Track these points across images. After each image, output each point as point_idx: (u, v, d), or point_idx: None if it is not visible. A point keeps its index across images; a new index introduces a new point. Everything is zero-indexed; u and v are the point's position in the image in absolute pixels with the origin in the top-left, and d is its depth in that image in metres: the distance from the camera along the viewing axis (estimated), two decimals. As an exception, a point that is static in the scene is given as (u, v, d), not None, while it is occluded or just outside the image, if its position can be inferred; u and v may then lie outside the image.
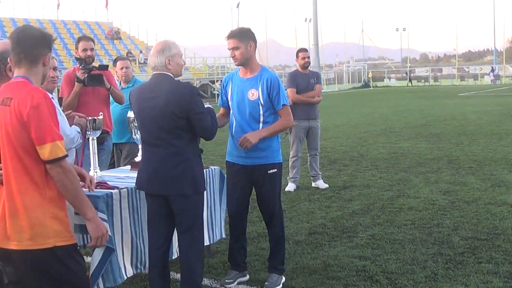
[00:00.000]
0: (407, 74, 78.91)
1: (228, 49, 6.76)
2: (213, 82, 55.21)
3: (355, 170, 14.08)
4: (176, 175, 5.94)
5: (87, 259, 6.22)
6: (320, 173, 12.36)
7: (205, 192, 7.06)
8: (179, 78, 6.27)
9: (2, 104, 4.30)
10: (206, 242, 7.50)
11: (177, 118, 5.81)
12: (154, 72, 6.19)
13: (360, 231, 8.76)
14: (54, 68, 6.65)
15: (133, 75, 10.28)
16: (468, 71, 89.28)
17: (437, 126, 23.45)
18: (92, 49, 8.86)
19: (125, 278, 6.28)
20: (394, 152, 16.78)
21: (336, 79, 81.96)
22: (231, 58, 6.86)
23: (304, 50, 12.54)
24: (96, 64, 8.99)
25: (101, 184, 6.60)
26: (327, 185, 12.08)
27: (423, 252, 7.67)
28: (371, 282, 6.65)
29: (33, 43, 4.39)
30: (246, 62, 6.71)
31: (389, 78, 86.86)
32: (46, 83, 5.38)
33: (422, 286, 6.50)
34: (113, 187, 6.35)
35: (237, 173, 6.90)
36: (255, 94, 6.64)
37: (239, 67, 6.87)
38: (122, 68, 9.40)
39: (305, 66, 12.22)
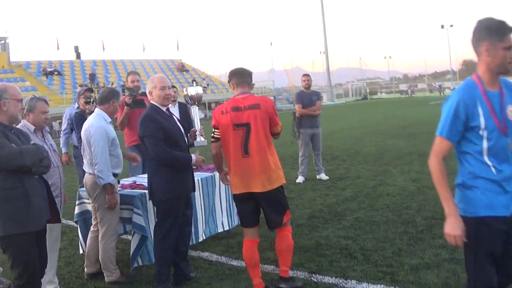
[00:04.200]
0: (393, 90, 78.28)
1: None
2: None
3: (350, 164, 13.49)
4: (149, 184, 5.59)
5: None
6: (323, 168, 11.83)
7: (222, 186, 6.91)
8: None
9: (253, 108, 5.24)
10: (227, 227, 7.17)
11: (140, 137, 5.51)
12: None
13: (348, 214, 8.24)
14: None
15: None
16: (435, 86, 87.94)
17: (413, 127, 22.62)
18: (138, 81, 8.53)
19: None
20: (381, 149, 16.13)
21: (343, 94, 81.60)
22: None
23: (305, 75, 12.05)
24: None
25: (138, 185, 6.29)
26: (328, 177, 11.56)
27: (393, 231, 7.13)
28: (350, 258, 6.15)
29: (249, 73, 5.57)
30: None
31: (381, 92, 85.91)
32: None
33: (389, 261, 5.97)
34: (146, 188, 6.03)
35: None
36: None
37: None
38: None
39: (306, 86, 11.74)
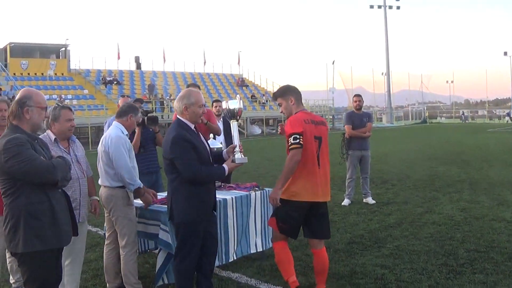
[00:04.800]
0: (464, 115, 75.64)
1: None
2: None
3: (399, 189, 12.86)
4: (169, 204, 5.18)
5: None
6: (370, 191, 11.30)
7: (258, 206, 6.51)
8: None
9: (322, 124, 5.58)
10: (260, 248, 6.80)
11: (164, 158, 5.09)
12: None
13: (389, 242, 7.76)
14: None
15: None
16: (495, 113, 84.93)
17: (467, 154, 21.69)
18: (220, 106, 8.39)
19: None
20: (432, 174, 15.39)
21: (403, 116, 79.96)
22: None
23: (356, 95, 11.48)
24: None
25: (164, 202, 6.02)
26: (374, 201, 11.02)
27: (433, 262, 6.63)
28: None
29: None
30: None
31: (441, 116, 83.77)
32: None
33: (424, 295, 5.51)
34: None
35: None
36: None
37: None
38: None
39: (357, 107, 11.26)
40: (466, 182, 13.64)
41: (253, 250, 6.76)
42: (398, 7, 67.43)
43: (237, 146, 5.43)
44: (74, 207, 5.07)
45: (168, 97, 43.30)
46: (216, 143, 5.76)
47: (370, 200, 11.09)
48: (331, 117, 56.58)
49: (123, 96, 8.43)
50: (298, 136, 5.26)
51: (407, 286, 5.78)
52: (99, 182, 5.80)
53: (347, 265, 6.65)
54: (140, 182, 5.72)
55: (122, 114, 5.88)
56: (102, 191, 5.74)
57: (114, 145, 5.58)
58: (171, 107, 37.14)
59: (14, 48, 44.47)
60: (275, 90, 6.09)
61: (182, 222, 5.03)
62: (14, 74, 42.45)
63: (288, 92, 5.59)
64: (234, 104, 5.72)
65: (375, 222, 9.16)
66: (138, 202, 6.06)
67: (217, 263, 6.17)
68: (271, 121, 50.86)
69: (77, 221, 5.03)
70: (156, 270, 5.71)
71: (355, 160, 11.16)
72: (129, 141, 5.83)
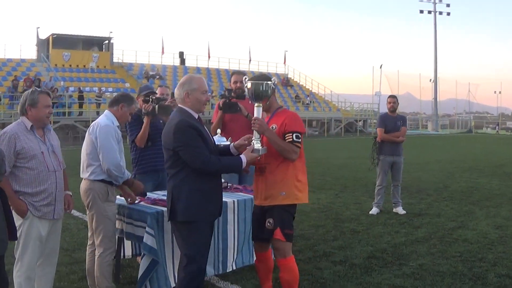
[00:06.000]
0: (498, 126, 73.07)
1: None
2: (356, 121, 53.27)
3: (434, 200, 11.94)
4: (169, 202, 4.45)
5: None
6: (400, 200, 10.45)
7: None
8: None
9: None
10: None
11: (166, 149, 4.43)
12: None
13: (412, 259, 6.97)
14: None
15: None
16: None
17: (510, 166, 20.52)
18: (241, 82, 6.87)
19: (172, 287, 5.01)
20: (471, 186, 14.33)
21: (449, 125, 77.95)
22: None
23: (391, 96, 10.68)
24: None
25: (158, 201, 5.42)
26: (404, 212, 10.19)
27: (458, 287, 5.85)
28: None
29: None
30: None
31: (487, 127, 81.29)
32: None
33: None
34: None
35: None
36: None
37: None
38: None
39: (391, 109, 10.46)
40: (506, 196, 12.60)
41: (256, 261, 6.06)
42: (448, 13, 65.81)
43: (258, 135, 4.68)
44: (48, 202, 4.57)
45: (210, 94, 42.82)
46: (223, 139, 4.98)
47: (400, 210, 10.28)
48: (375, 121, 55.46)
49: (160, 86, 7.50)
50: (300, 137, 4.66)
51: (424, 314, 5.03)
52: (80, 174, 5.28)
53: (360, 284, 5.91)
54: (128, 173, 5.21)
55: (113, 103, 5.34)
56: (82, 184, 5.22)
57: (103, 135, 5.06)
58: (212, 104, 36.64)
59: (57, 40, 44.63)
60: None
61: (186, 221, 4.37)
62: (56, 65, 42.78)
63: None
64: (255, 85, 4.80)
65: (402, 235, 8.37)
66: (123, 200, 5.53)
67: (212, 272, 5.56)
68: (314, 123, 49.98)
69: (51, 217, 4.52)
70: (138, 277, 5.09)
71: (386, 166, 10.38)
72: (120, 132, 5.26)
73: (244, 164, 4.47)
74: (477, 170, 18.82)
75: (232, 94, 6.89)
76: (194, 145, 4.26)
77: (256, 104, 4.78)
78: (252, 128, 4.67)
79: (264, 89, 4.73)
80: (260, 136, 4.66)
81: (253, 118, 4.68)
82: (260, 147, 4.62)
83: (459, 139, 46.89)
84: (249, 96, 4.83)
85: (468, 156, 25.82)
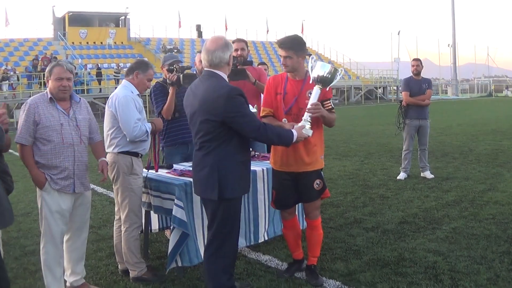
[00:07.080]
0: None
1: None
2: (376, 88, 52.64)
3: (460, 163, 11.67)
4: (202, 178, 4.11)
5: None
6: (428, 165, 10.21)
7: None
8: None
9: None
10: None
11: (210, 121, 3.97)
12: (206, 69, 4.12)
13: (445, 223, 6.78)
14: None
15: None
16: None
17: (536, 128, 20.04)
18: (243, 49, 6.66)
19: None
20: (496, 149, 13.98)
21: (469, 89, 76.84)
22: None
23: (415, 59, 10.37)
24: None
25: (186, 173, 5.27)
26: (432, 176, 9.98)
27: (494, 250, 5.62)
28: (435, 282, 4.76)
29: None
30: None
31: (507, 90, 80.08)
32: None
33: (482, 290, 4.58)
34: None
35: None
36: None
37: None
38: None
39: (415, 72, 10.17)
40: (534, 157, 12.33)
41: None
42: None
43: (309, 117, 4.48)
44: (66, 176, 4.44)
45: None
46: (251, 108, 4.78)
47: (428, 174, 10.06)
48: (395, 88, 54.79)
49: (199, 52, 7.07)
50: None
51: (462, 279, 4.83)
52: (106, 149, 5.14)
53: (395, 250, 5.74)
54: (149, 124, 5.11)
55: (128, 71, 5.18)
56: (107, 158, 5.05)
57: (121, 106, 4.90)
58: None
59: (73, 17, 44.51)
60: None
61: (234, 198, 4.12)
62: (73, 43, 42.68)
63: (304, 49, 4.67)
64: (324, 68, 4.55)
65: (432, 199, 8.17)
66: (153, 173, 5.40)
67: (244, 243, 5.43)
68: (334, 91, 49.53)
69: (70, 191, 4.42)
70: (169, 251, 4.93)
71: (412, 131, 10.13)
72: (140, 100, 5.11)
73: (294, 138, 4.28)
74: (500, 132, 18.43)
75: (236, 63, 6.62)
76: (248, 113, 4.02)
77: (317, 86, 4.56)
78: (307, 111, 4.47)
79: (333, 77, 4.57)
80: (310, 118, 4.48)
81: (311, 103, 4.48)
82: (310, 130, 4.46)
83: (480, 103, 46.19)
84: (313, 77, 4.56)
85: (490, 119, 25.33)
